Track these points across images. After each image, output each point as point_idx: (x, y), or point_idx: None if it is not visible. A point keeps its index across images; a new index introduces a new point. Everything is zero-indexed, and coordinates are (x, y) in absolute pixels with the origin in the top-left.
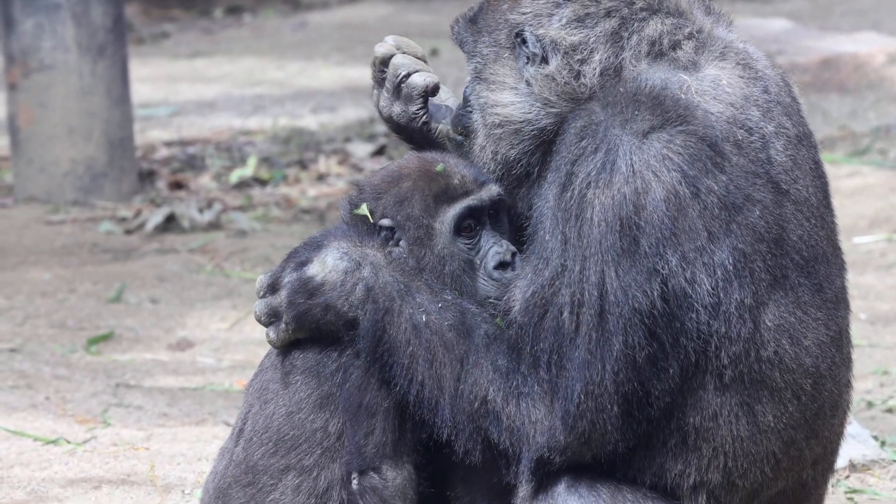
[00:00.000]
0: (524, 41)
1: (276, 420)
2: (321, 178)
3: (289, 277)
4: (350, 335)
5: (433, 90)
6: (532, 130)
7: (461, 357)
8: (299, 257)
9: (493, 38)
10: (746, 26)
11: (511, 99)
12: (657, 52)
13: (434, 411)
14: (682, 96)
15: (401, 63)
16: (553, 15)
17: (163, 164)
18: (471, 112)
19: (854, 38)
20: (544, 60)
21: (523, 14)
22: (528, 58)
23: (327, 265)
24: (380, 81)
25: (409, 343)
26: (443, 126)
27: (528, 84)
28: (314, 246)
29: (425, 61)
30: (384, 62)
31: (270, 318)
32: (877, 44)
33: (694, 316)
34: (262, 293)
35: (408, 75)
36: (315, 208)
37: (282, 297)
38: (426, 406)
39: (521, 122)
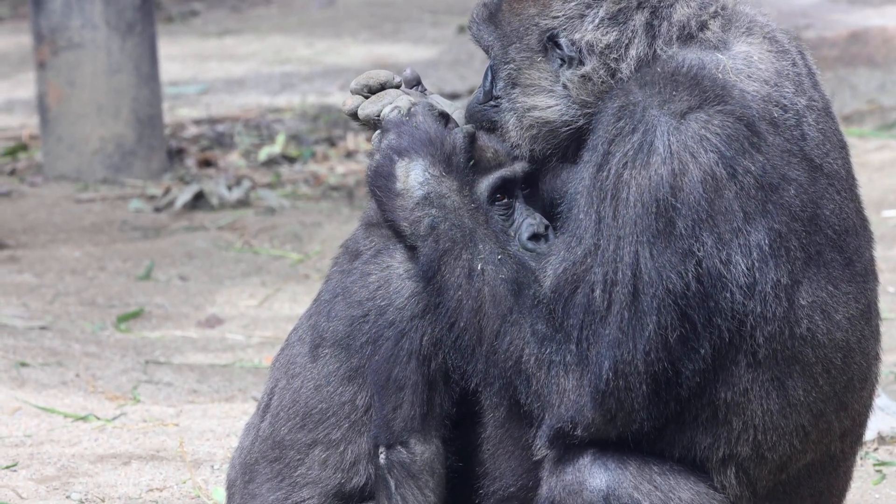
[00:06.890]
0: (557, 45)
1: (303, 394)
2: (350, 155)
3: (385, 144)
4: (409, 254)
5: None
6: (569, 130)
7: (505, 313)
8: (397, 142)
9: (524, 44)
10: (774, 1)
11: (548, 102)
12: (686, 35)
13: (468, 359)
14: (720, 76)
15: (384, 108)
16: (585, 16)
17: (192, 141)
18: (500, 111)
19: (882, 11)
20: (580, 62)
21: (555, 18)
22: (562, 60)
23: (409, 181)
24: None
25: (459, 287)
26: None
27: (565, 87)
28: (410, 142)
29: (394, 83)
30: (354, 116)
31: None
32: None
33: (728, 296)
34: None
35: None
36: (344, 185)
37: (375, 157)
38: (462, 352)
39: (559, 124)
